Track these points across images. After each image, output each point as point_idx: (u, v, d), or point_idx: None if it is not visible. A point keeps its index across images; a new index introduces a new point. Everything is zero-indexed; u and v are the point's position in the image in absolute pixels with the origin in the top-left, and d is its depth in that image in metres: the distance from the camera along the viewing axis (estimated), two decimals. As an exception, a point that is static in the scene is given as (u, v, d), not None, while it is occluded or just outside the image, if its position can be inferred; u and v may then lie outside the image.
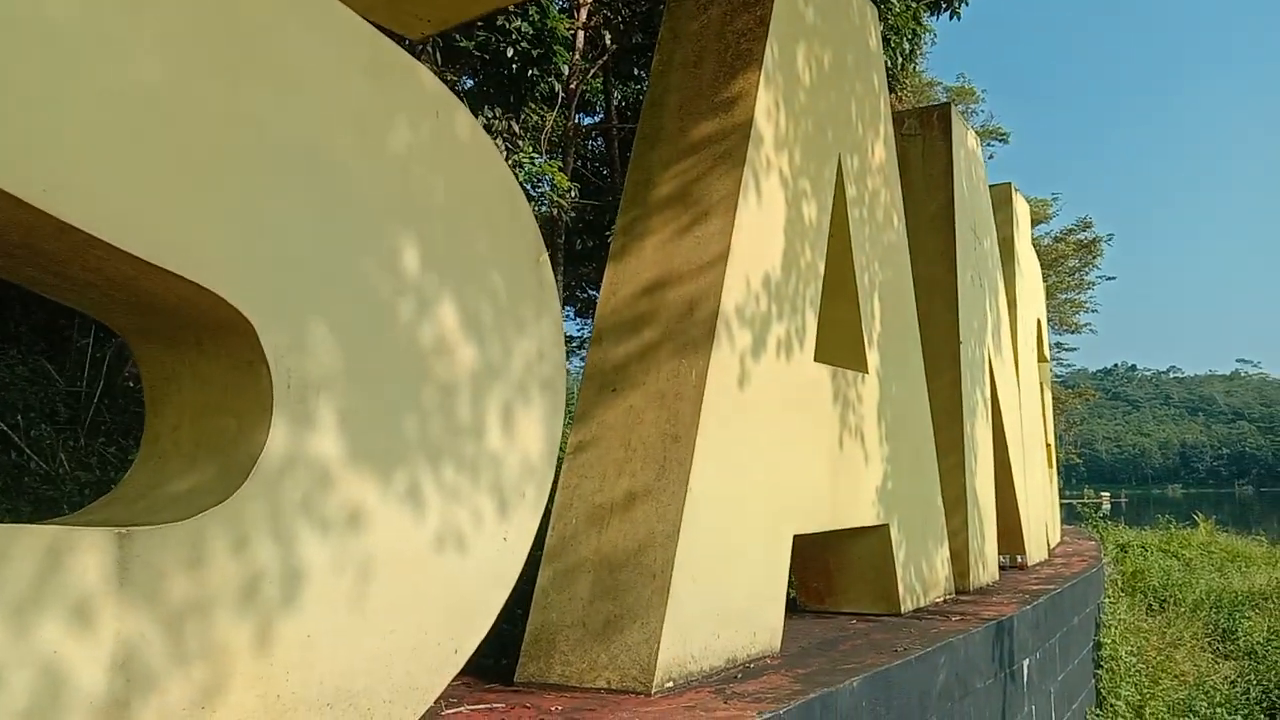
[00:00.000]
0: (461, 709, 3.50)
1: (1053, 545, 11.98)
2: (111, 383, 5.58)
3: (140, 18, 2.23)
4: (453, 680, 3.85)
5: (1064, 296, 34.48)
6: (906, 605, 6.07)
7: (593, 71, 14.71)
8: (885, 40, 12.46)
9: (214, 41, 2.40)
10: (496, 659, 4.11)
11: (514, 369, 3.19)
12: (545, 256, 3.38)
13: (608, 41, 14.45)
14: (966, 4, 13.78)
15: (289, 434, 2.53)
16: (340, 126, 2.71)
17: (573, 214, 16.81)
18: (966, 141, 8.66)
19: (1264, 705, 10.04)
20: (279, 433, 2.50)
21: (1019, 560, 9.35)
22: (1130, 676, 9.24)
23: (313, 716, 2.57)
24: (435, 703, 3.45)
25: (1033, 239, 29.22)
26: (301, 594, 2.53)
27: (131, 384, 5.74)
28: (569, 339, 17.99)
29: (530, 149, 10.83)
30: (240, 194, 2.44)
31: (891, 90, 18.30)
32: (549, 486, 3.37)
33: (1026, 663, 6.34)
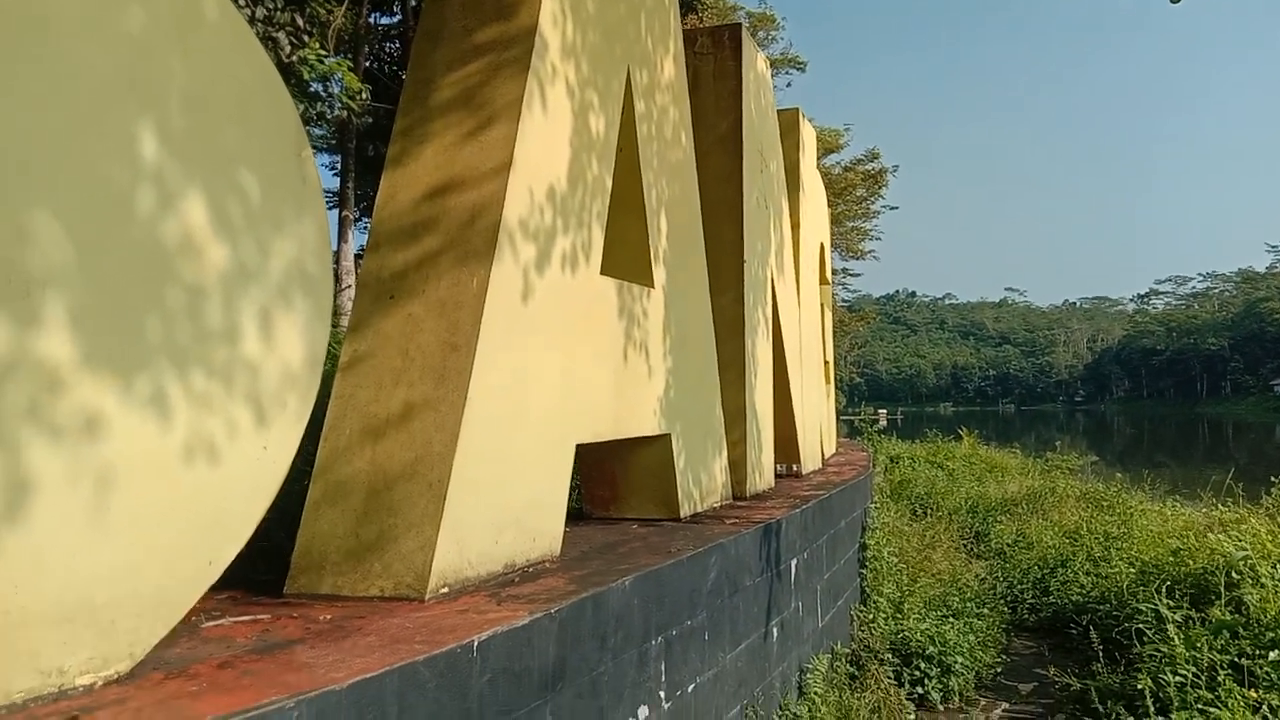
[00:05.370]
0: (224, 621, 3.40)
1: (828, 456, 12.76)
2: None
3: None
4: (220, 595, 3.77)
5: (851, 224, 36.22)
6: (685, 510, 6.33)
7: (387, -32, 14.00)
8: (687, -42, 12.49)
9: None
10: (272, 575, 4.01)
11: (272, 272, 3.04)
12: (308, 152, 3.21)
13: (403, -63, 13.77)
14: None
15: (11, 333, 2.32)
16: (62, -4, 2.46)
17: (367, 118, 16.13)
18: (756, 64, 8.84)
19: (1008, 599, 11.16)
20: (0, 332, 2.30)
21: (794, 468, 9.92)
22: (892, 575, 10.03)
23: (49, 631, 2.43)
24: (197, 616, 3.35)
25: (824, 168, 30.44)
26: (31, 505, 2.37)
27: None
28: (361, 248, 17.39)
29: (317, 46, 10.25)
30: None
31: (693, 11, 18.42)
32: (314, 395, 3.27)
33: (794, 562, 6.77)
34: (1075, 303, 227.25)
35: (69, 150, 2.48)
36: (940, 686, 7.96)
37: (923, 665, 8.05)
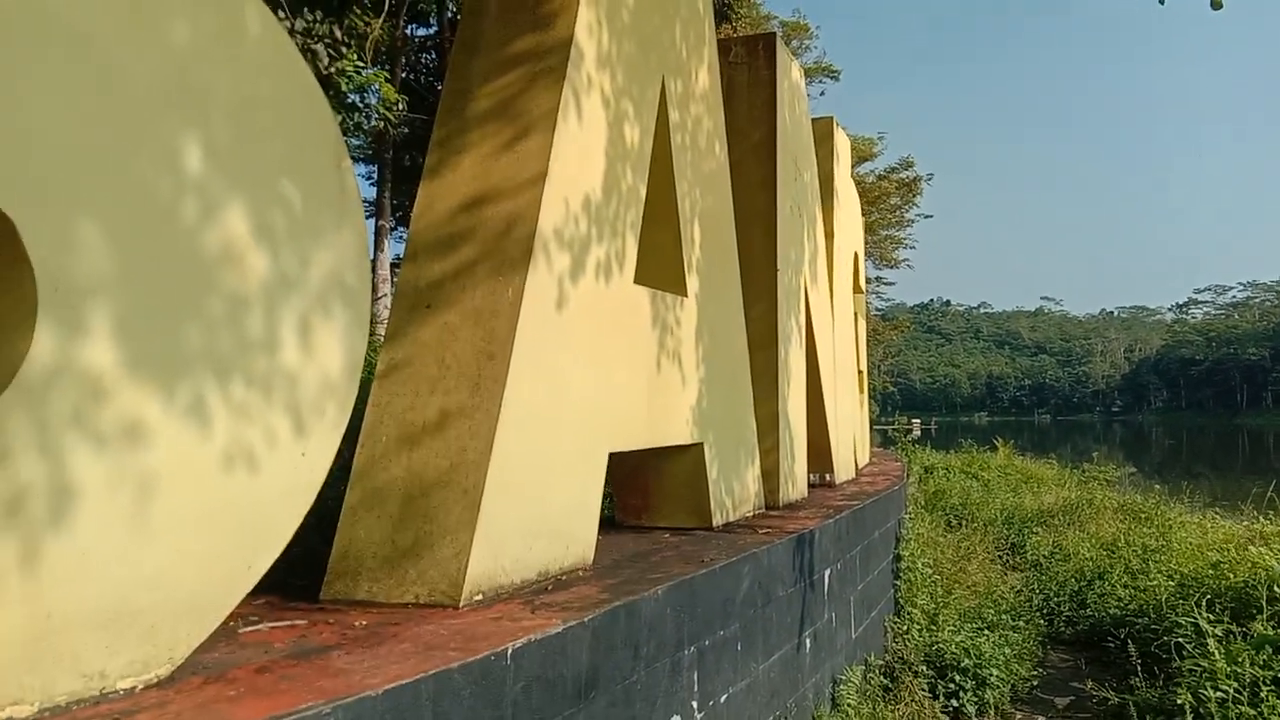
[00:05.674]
0: (261, 626, 3.44)
1: (861, 465, 12.67)
2: None
3: None
4: (256, 600, 3.81)
5: (885, 233, 36.00)
6: (718, 519, 6.32)
7: (423, -20, 14.15)
8: (720, -32, 12.51)
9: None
10: (307, 580, 4.05)
11: (311, 281, 3.08)
12: (348, 162, 3.25)
13: (439, -51, 13.90)
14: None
15: (57, 340, 2.37)
16: (108, 11, 2.51)
17: (403, 129, 16.29)
18: (791, 73, 8.82)
19: (1044, 612, 11.01)
20: (45, 339, 2.34)
21: (828, 478, 9.86)
22: (926, 586, 9.93)
23: (90, 635, 2.47)
24: (234, 621, 3.39)
25: (857, 176, 30.35)
26: (74, 510, 2.41)
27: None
28: (396, 257, 17.56)
29: (355, 58, 10.37)
30: (-9, 78, 2.24)
31: (727, 20, 18.45)
32: (351, 403, 3.30)
33: (827, 573, 6.73)
34: (1112, 312, 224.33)
35: (114, 161, 2.53)
36: (975, 699, 7.86)
37: (957, 678, 7.96)
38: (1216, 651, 6.68)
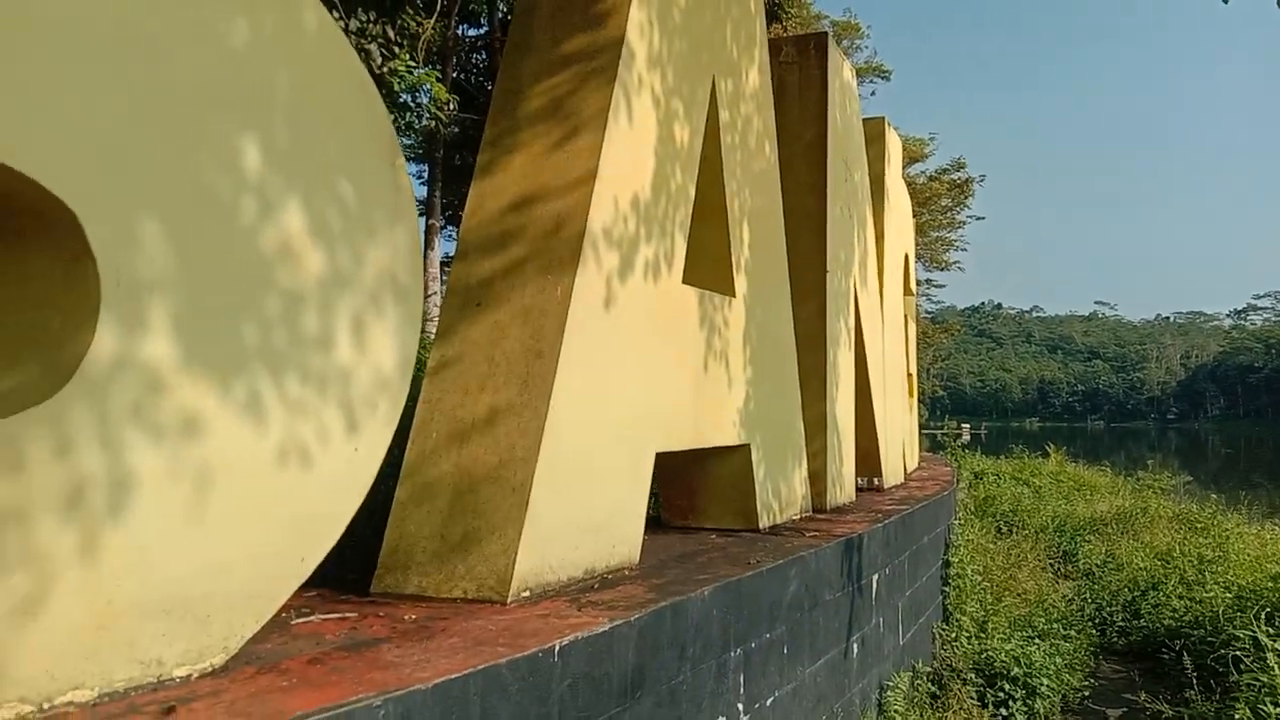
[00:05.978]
0: (313, 618, 3.48)
1: (910, 470, 12.54)
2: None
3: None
4: (308, 593, 3.86)
5: (936, 234, 35.60)
6: (764, 522, 6.28)
7: (475, -19, 14.26)
8: (772, -33, 12.45)
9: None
10: (358, 573, 4.10)
11: (365, 278, 3.11)
12: (401, 161, 3.28)
13: (491, -50, 13.99)
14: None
15: (118, 335, 2.42)
16: (171, 12, 2.55)
17: (454, 128, 16.43)
18: (842, 72, 8.76)
19: (1096, 621, 10.82)
20: (107, 333, 2.39)
21: (876, 482, 9.77)
22: (975, 594, 9.80)
23: (147, 623, 2.52)
24: (286, 613, 3.44)
25: (908, 177, 30.04)
26: (133, 501, 2.45)
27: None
28: (446, 256, 17.72)
29: (407, 57, 10.46)
30: (58, 77, 2.29)
31: (777, 20, 18.37)
32: (403, 399, 3.33)
33: (875, 578, 6.67)
34: (1168, 317, 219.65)
35: (176, 159, 2.57)
36: (1025, 709, 7.74)
37: (1007, 686, 7.84)
38: (1276, 666, 6.51)
